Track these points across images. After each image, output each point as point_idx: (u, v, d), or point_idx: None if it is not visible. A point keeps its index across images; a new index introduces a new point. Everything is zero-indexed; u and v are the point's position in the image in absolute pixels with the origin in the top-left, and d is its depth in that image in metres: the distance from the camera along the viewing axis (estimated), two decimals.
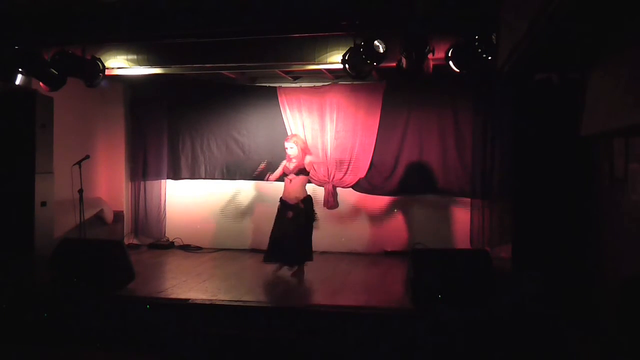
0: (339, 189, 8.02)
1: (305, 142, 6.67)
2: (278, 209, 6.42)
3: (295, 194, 6.30)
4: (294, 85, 8.12)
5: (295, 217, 6.27)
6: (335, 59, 5.83)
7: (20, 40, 5.97)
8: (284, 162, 6.41)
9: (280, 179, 6.56)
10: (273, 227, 6.40)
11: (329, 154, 7.96)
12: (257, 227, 8.17)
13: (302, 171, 6.32)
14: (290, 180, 6.31)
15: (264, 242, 7.70)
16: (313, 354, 4.73)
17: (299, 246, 6.24)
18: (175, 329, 4.95)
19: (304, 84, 8.10)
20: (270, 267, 6.44)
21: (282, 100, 8.06)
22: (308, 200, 6.37)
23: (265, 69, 7.11)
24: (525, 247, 5.09)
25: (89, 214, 7.27)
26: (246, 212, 8.34)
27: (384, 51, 5.37)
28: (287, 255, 6.28)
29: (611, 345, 3.65)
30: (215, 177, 8.42)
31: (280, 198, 6.42)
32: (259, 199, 8.16)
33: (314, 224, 6.38)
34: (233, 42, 6.12)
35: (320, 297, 5.64)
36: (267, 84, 8.20)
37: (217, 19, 5.58)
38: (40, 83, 6.25)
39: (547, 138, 5.01)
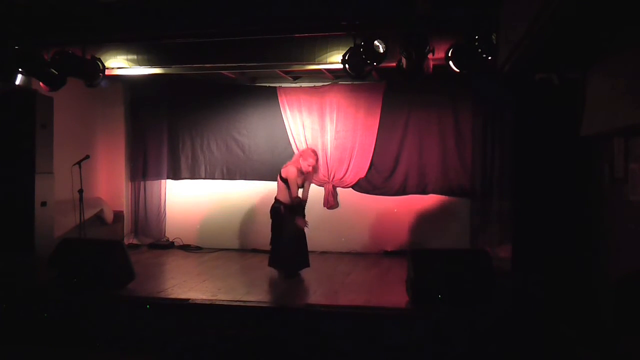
0: (339, 189, 8.02)
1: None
2: (280, 212, 6.26)
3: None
4: (294, 85, 8.12)
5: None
6: (335, 59, 5.83)
7: (20, 40, 5.96)
8: (295, 170, 6.22)
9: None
10: (284, 232, 6.24)
11: (329, 154, 7.96)
12: (257, 227, 8.15)
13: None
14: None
15: (264, 242, 7.69)
16: (313, 354, 4.73)
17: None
18: (175, 329, 4.95)
19: (304, 84, 8.10)
20: (270, 268, 6.44)
21: (282, 100, 8.06)
22: None
23: (265, 69, 7.10)
24: (525, 247, 5.09)
25: (89, 214, 7.27)
26: (246, 212, 8.33)
27: (384, 51, 5.37)
28: (303, 259, 6.34)
29: (611, 346, 3.65)
30: (215, 177, 8.42)
31: (280, 201, 6.29)
32: (258, 199, 8.15)
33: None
34: (233, 42, 6.12)
35: (320, 297, 5.63)
36: (267, 84, 8.21)
37: (217, 19, 5.58)
38: (40, 83, 6.24)
39: (547, 138, 5.01)
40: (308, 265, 6.33)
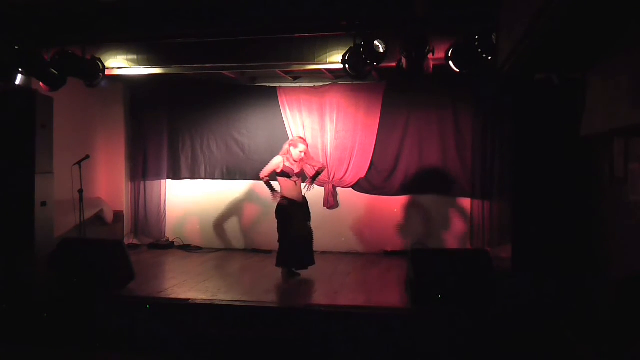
0: (339, 189, 8.02)
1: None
2: (286, 209, 6.20)
3: (300, 193, 6.32)
4: (294, 85, 8.12)
5: (306, 214, 6.31)
6: (335, 59, 5.83)
7: (20, 40, 5.96)
8: (282, 160, 6.21)
9: (272, 178, 6.39)
10: (291, 230, 6.18)
11: (329, 154, 7.96)
12: (257, 227, 8.17)
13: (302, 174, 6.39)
14: (295, 181, 6.28)
15: (264, 242, 7.72)
16: (313, 354, 4.73)
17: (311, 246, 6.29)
18: (175, 329, 4.95)
19: (304, 84, 8.10)
20: (270, 268, 6.42)
21: (282, 100, 8.06)
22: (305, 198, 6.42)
23: (265, 69, 7.11)
24: (525, 247, 5.09)
25: (89, 214, 7.27)
26: (246, 212, 8.34)
27: (384, 51, 5.36)
28: (309, 257, 6.25)
29: (611, 345, 3.65)
30: (215, 177, 8.42)
31: (285, 197, 6.24)
32: (258, 199, 8.15)
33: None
34: (233, 42, 6.12)
35: (320, 297, 5.64)
36: (267, 84, 8.21)
37: (217, 19, 5.58)
38: (40, 83, 6.24)
39: (547, 138, 5.01)
40: (313, 263, 6.27)
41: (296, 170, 6.23)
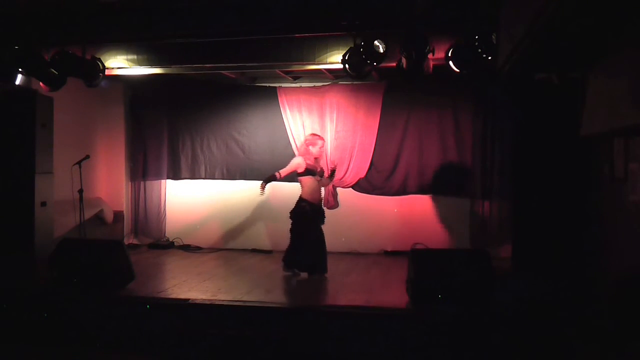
0: (339, 189, 8.02)
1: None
2: (307, 213, 6.18)
3: (320, 195, 6.32)
4: (294, 85, 8.12)
5: (322, 218, 6.33)
6: (335, 59, 5.83)
7: (20, 40, 5.97)
8: (302, 159, 6.22)
9: (291, 179, 6.45)
10: (309, 235, 6.18)
11: (329, 154, 7.96)
12: (257, 227, 8.16)
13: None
14: (318, 180, 6.28)
15: (264, 242, 7.71)
16: (313, 354, 4.73)
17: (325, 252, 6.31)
18: (175, 329, 4.94)
19: (304, 84, 8.10)
20: (270, 268, 6.42)
21: (282, 100, 8.06)
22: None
23: (265, 69, 7.11)
24: (525, 247, 5.10)
25: (89, 214, 7.27)
26: (246, 212, 8.33)
27: (384, 51, 5.37)
28: (322, 264, 6.25)
29: (611, 345, 3.65)
30: (215, 177, 8.42)
31: (307, 200, 6.20)
32: (259, 199, 8.14)
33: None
34: (233, 42, 6.13)
35: (320, 297, 5.64)
36: (267, 84, 8.21)
37: (217, 19, 5.59)
38: (40, 83, 6.25)
39: (547, 138, 5.01)
40: (325, 271, 6.24)
41: (318, 169, 6.27)
